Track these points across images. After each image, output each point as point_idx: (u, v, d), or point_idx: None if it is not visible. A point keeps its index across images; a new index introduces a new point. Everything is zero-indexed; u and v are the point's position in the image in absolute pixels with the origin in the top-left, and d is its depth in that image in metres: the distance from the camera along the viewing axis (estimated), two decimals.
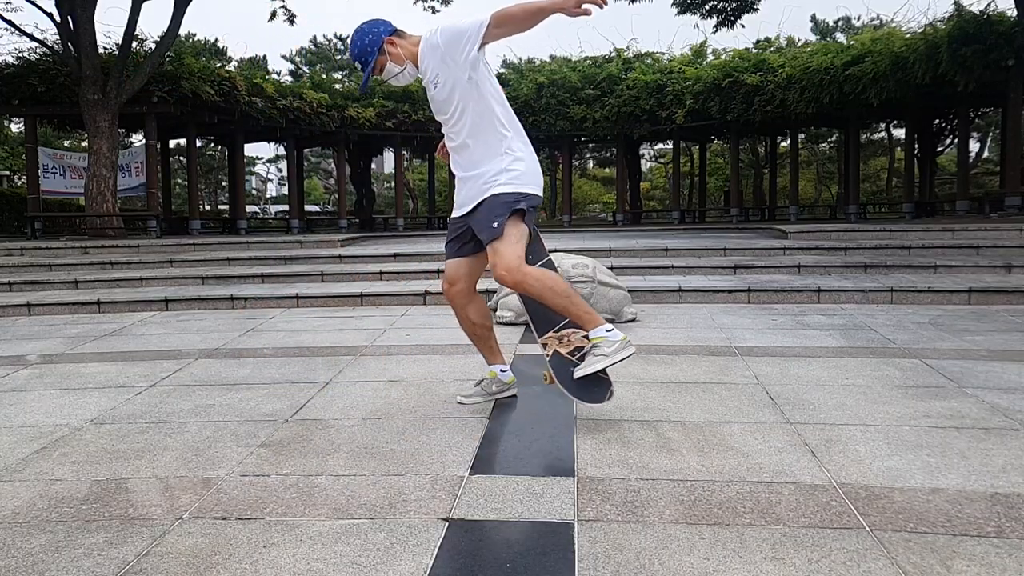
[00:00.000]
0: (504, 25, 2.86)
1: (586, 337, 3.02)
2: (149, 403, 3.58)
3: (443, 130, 3.18)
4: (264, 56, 33.37)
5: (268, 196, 55.94)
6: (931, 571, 1.82)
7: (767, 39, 20.91)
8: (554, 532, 2.07)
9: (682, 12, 16.83)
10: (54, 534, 2.14)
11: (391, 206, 34.13)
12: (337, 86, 21.54)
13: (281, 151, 27.30)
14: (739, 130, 19.86)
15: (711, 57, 19.35)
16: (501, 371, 3.40)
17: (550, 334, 3.11)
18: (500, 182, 2.98)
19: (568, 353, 3.07)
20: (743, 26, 40.74)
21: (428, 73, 3.04)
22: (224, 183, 33.32)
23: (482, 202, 2.99)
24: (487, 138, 3.01)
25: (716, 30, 17.55)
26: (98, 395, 3.77)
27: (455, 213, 3.17)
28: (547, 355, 3.12)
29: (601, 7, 2.76)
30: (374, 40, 3.05)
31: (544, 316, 3.11)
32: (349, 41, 3.11)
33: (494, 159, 3.01)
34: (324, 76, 28.73)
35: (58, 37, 13.89)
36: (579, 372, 3.00)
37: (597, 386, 3.06)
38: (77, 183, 15.66)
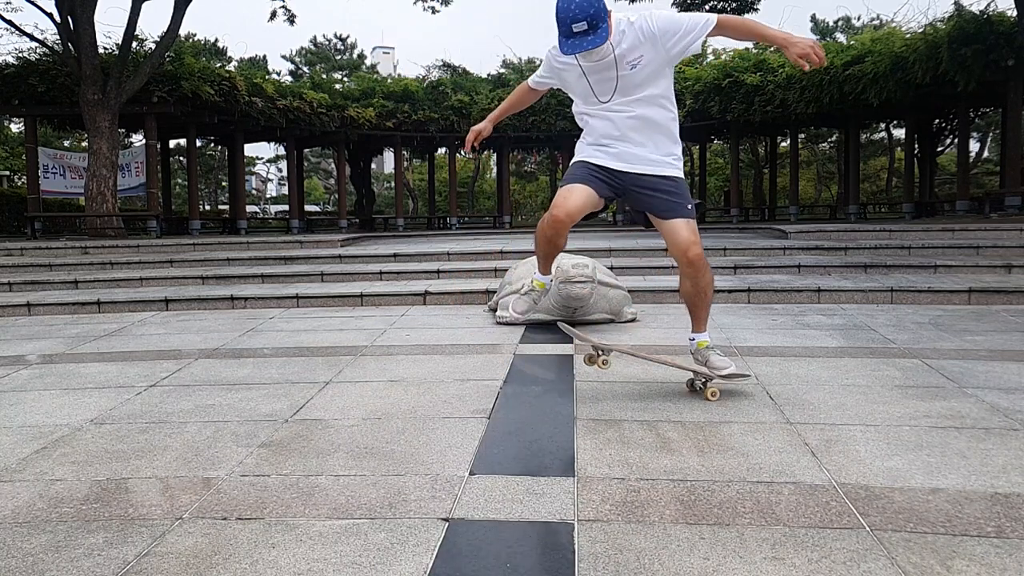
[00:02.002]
0: (723, 31, 3.17)
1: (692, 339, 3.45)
2: (149, 403, 3.58)
3: (605, 105, 3.26)
4: (264, 56, 33.36)
5: (268, 196, 55.97)
6: (931, 571, 1.82)
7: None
8: (554, 532, 2.07)
9: (682, 10, 16.82)
10: (54, 534, 2.14)
11: (391, 206, 34.16)
12: (337, 86, 21.56)
13: (281, 151, 27.32)
14: (739, 130, 19.88)
15: (711, 57, 19.37)
16: (547, 279, 3.63)
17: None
18: (679, 167, 3.31)
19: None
20: None
21: (628, 55, 3.12)
22: (224, 183, 33.32)
23: (674, 178, 3.27)
24: (665, 118, 3.26)
25: None
26: (98, 395, 3.77)
27: (613, 164, 3.28)
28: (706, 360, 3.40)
29: (819, 66, 3.03)
30: (601, 5, 3.02)
31: (695, 313, 3.43)
32: (576, 1, 2.94)
33: (671, 141, 3.30)
34: (324, 76, 28.76)
35: (58, 37, 13.90)
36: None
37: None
38: (77, 183, 15.67)
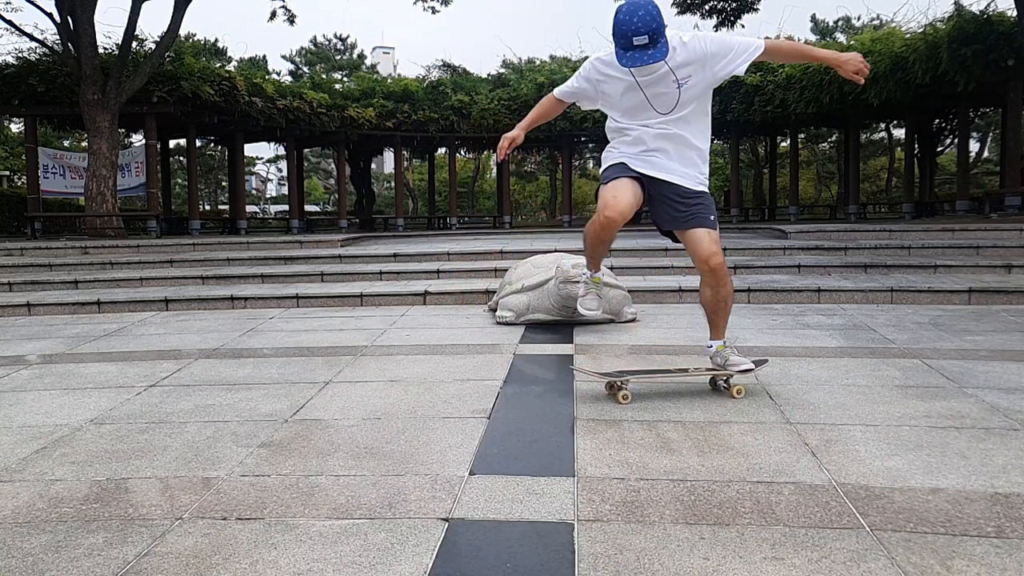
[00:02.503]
0: (771, 55, 3.31)
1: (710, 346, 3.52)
2: (149, 403, 3.58)
3: (647, 122, 3.31)
4: (264, 56, 33.35)
5: (268, 196, 55.97)
6: (931, 571, 1.82)
7: (767, 38, 20.89)
8: (554, 532, 2.07)
9: (682, 12, 16.84)
10: (54, 534, 2.14)
11: (391, 206, 34.15)
12: (337, 86, 21.56)
13: (281, 151, 27.31)
14: (739, 130, 19.87)
15: None
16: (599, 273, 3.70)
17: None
18: (706, 186, 3.43)
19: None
20: (743, 26, 40.69)
21: (678, 72, 3.18)
22: (224, 183, 33.33)
23: (702, 193, 3.37)
24: (699, 139, 3.36)
25: (716, 30, 17.54)
26: (98, 395, 3.77)
27: (649, 171, 3.35)
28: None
29: (859, 83, 3.25)
30: (662, 21, 3.06)
31: (714, 321, 3.48)
32: (639, 15, 2.97)
33: (703, 161, 3.41)
34: (324, 76, 28.76)
35: (58, 37, 13.90)
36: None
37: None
38: (77, 183, 15.67)
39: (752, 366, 3.46)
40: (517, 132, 3.59)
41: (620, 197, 3.30)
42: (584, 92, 3.46)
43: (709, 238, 3.31)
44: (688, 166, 3.36)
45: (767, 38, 3.43)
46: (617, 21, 3.02)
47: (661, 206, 3.41)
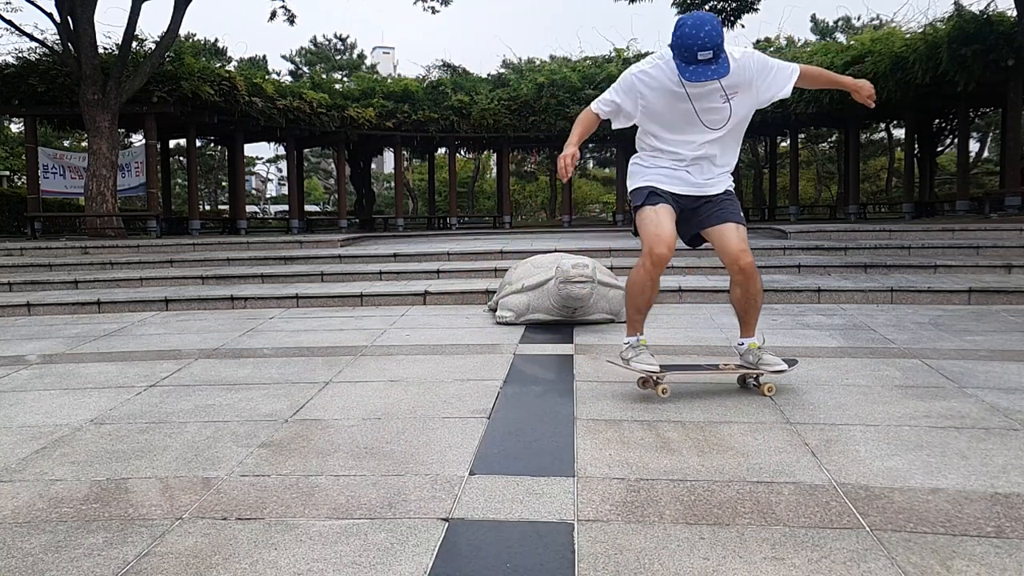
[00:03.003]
0: (803, 79, 3.39)
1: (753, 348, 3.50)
2: (149, 403, 3.58)
3: (692, 137, 3.30)
4: (264, 56, 33.34)
5: (268, 196, 55.97)
6: (931, 571, 1.82)
7: (767, 39, 20.94)
8: (554, 532, 2.07)
9: (682, 11, 16.82)
10: (54, 534, 2.14)
11: (391, 206, 34.14)
12: (337, 86, 21.56)
13: (281, 151, 27.31)
14: None
15: None
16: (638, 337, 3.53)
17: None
18: (732, 180, 3.51)
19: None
20: (743, 26, 40.85)
21: (728, 88, 3.21)
22: (224, 183, 33.32)
23: (729, 191, 3.44)
24: (735, 151, 3.46)
25: None
26: (98, 395, 3.77)
27: (685, 190, 3.37)
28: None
29: (870, 106, 3.42)
30: (724, 36, 3.08)
31: (745, 319, 3.48)
32: (706, 29, 2.98)
33: (731, 170, 3.48)
34: (324, 76, 28.75)
35: (58, 37, 13.90)
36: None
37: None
38: (77, 183, 15.66)
39: (786, 367, 3.46)
40: (574, 148, 3.39)
41: (664, 229, 3.27)
42: (623, 108, 3.37)
43: (738, 235, 3.32)
44: (721, 177, 3.42)
45: (802, 64, 3.50)
46: (683, 34, 3.01)
47: (692, 216, 3.43)
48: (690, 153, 3.33)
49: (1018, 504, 2.19)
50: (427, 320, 5.98)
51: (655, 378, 3.39)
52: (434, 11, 17.86)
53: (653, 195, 3.35)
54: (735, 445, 2.76)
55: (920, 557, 1.88)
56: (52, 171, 15.76)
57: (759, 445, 2.75)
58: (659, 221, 3.29)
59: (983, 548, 1.92)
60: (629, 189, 3.50)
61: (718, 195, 3.40)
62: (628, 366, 3.41)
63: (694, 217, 3.42)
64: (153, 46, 14.62)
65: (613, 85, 3.41)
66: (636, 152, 3.56)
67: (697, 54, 3.00)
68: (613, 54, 20.09)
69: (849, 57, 15.55)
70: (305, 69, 35.36)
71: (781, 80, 3.32)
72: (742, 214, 3.42)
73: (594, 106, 3.46)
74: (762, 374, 3.46)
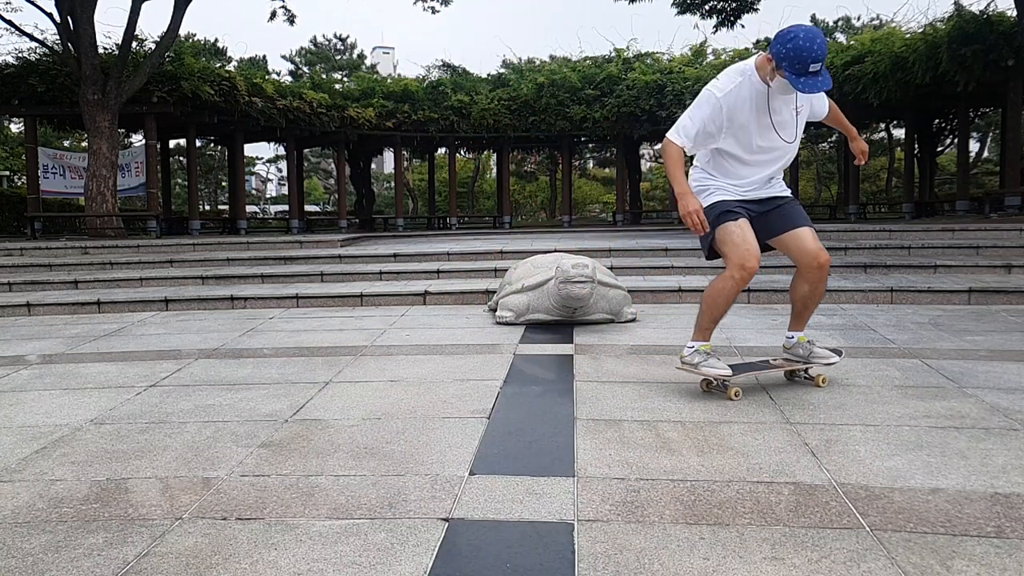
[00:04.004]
0: (829, 113, 3.55)
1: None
2: (149, 403, 3.58)
3: (769, 148, 3.35)
4: (264, 56, 33.32)
5: (268, 196, 55.97)
6: (931, 571, 1.82)
7: (767, 39, 20.91)
8: (554, 532, 2.07)
9: (682, 12, 16.80)
10: (54, 534, 2.14)
11: (391, 206, 34.15)
12: (337, 86, 21.55)
13: (281, 151, 27.31)
14: None
15: (711, 57, 19.36)
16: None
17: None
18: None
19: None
20: (743, 26, 40.83)
21: (797, 102, 3.32)
22: (224, 183, 33.32)
23: (792, 197, 3.54)
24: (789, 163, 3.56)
25: (716, 30, 17.52)
26: (98, 395, 3.77)
27: (752, 195, 3.44)
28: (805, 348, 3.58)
29: (860, 163, 3.74)
30: None
31: (803, 315, 3.59)
32: (818, 42, 3.03)
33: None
34: (324, 76, 28.75)
35: (58, 37, 13.89)
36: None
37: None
38: (77, 183, 15.66)
39: (837, 358, 3.56)
40: (694, 200, 3.30)
41: (751, 243, 3.31)
42: (708, 133, 3.30)
43: (813, 236, 3.41)
44: (781, 184, 3.52)
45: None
46: (797, 47, 3.02)
47: (766, 218, 3.46)
48: (766, 164, 3.40)
49: (1018, 504, 2.19)
50: (427, 320, 5.98)
51: (725, 382, 3.43)
52: (434, 11, 17.85)
53: (730, 212, 3.37)
54: (735, 445, 2.76)
55: (920, 557, 1.88)
56: (52, 171, 15.75)
57: (759, 445, 2.75)
58: (744, 236, 3.33)
59: (983, 548, 1.92)
60: (704, 205, 3.40)
61: (784, 197, 3.48)
62: (697, 370, 3.43)
63: (774, 214, 3.47)
64: (153, 46, 14.61)
65: (692, 112, 3.30)
66: (697, 165, 3.55)
67: (809, 65, 3.03)
68: (613, 54, 20.06)
69: (849, 57, 15.53)
70: (305, 69, 35.35)
71: (820, 105, 3.48)
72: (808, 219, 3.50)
73: (679, 140, 3.31)
74: (812, 366, 3.56)
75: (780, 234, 3.45)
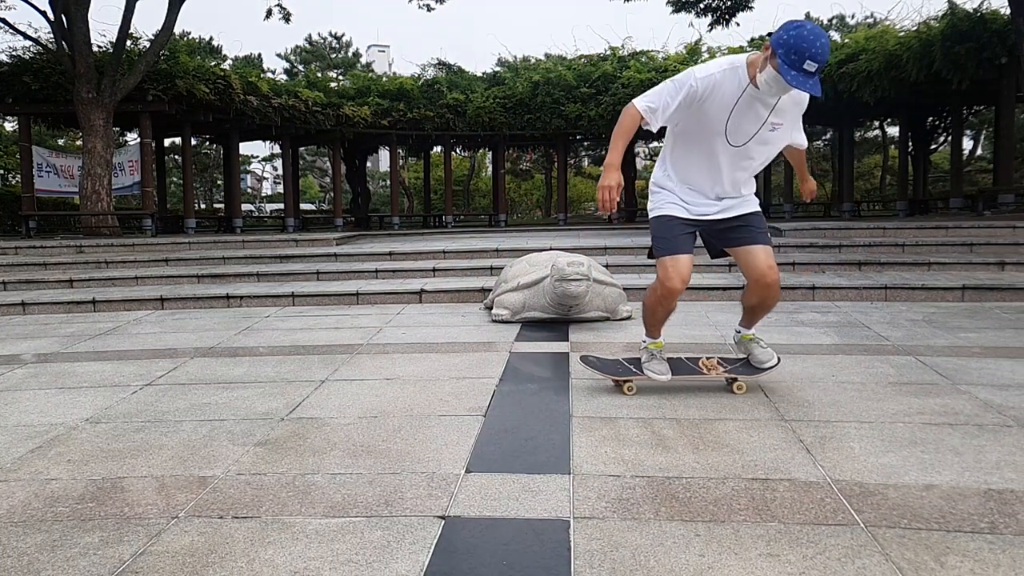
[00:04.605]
0: (794, 152, 3.49)
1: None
2: (144, 402, 3.58)
3: (728, 151, 3.21)
4: (259, 55, 33.23)
5: (263, 195, 55.85)
6: (925, 567, 1.83)
7: (762, 37, 20.93)
8: (550, 529, 2.08)
9: (677, 10, 16.83)
10: (49, 533, 2.13)
11: (387, 204, 34.09)
12: (332, 84, 21.49)
13: (276, 149, 27.26)
14: None
15: (706, 55, 19.34)
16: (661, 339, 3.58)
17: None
18: (756, 201, 3.47)
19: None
20: (738, 24, 40.75)
21: (776, 115, 3.16)
22: (219, 182, 33.25)
23: (756, 212, 3.40)
24: (760, 167, 3.40)
25: (711, 28, 17.58)
26: (93, 394, 3.76)
27: (703, 215, 3.33)
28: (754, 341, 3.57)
29: (806, 200, 3.71)
30: None
31: (753, 318, 3.56)
32: (821, 41, 2.88)
33: (753, 182, 3.46)
34: (319, 74, 28.67)
35: (52, 35, 13.83)
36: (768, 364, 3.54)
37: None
38: (67, 183, 15.61)
39: (774, 363, 3.54)
40: (618, 175, 3.13)
41: (681, 266, 3.27)
42: (676, 110, 3.11)
43: (765, 254, 3.32)
44: (744, 191, 3.38)
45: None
46: (801, 36, 2.87)
47: (716, 234, 3.43)
48: (719, 175, 3.29)
49: (1011, 500, 2.20)
50: (423, 318, 5.98)
51: (628, 379, 3.51)
52: (429, 8, 17.82)
53: (672, 229, 3.30)
54: (730, 442, 2.77)
55: (914, 553, 1.89)
56: (46, 170, 15.68)
57: (754, 442, 2.76)
58: (676, 261, 3.27)
59: (977, 544, 1.94)
60: (655, 213, 3.38)
61: (747, 214, 3.36)
62: (640, 368, 3.49)
63: (725, 233, 3.40)
64: (148, 44, 14.56)
65: (666, 85, 3.14)
66: (663, 156, 3.45)
67: (806, 61, 2.88)
68: (608, 52, 20.05)
69: (843, 55, 15.55)
70: (300, 67, 35.27)
71: (799, 137, 3.36)
72: (769, 234, 3.41)
73: (640, 105, 3.12)
74: (738, 378, 3.50)
75: (735, 247, 3.39)
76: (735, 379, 3.50)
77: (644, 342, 3.54)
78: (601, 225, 18.22)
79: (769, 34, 3.02)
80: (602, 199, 3.10)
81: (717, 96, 3.09)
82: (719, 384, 3.59)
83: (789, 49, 2.89)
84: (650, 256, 3.50)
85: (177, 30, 16.11)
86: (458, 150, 25.61)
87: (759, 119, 3.15)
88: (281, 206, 32.28)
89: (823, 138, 31.24)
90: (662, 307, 3.40)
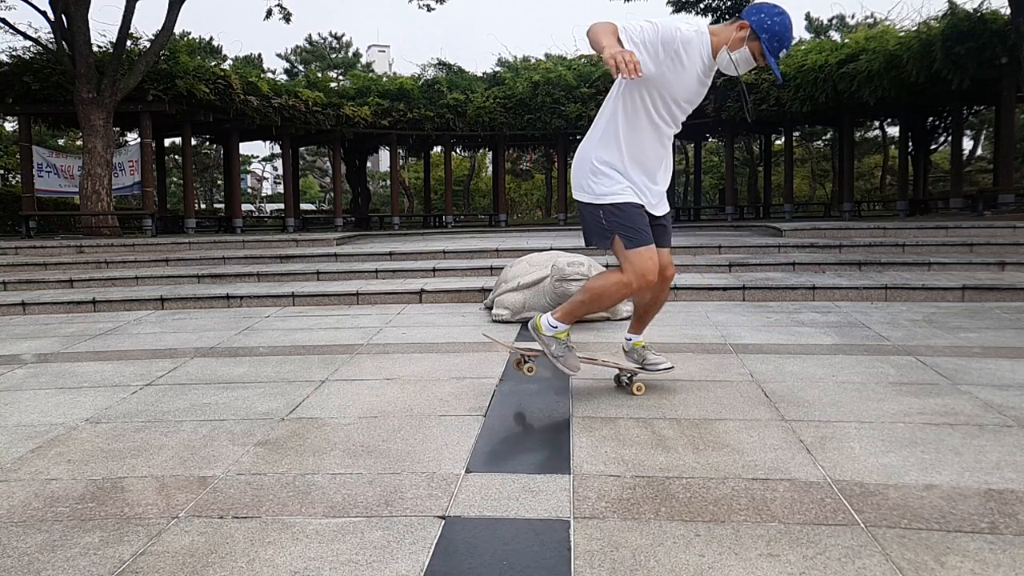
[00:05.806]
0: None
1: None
2: (145, 402, 3.58)
3: (670, 107, 3.08)
4: (259, 55, 33.23)
5: (264, 195, 55.86)
6: (925, 567, 1.83)
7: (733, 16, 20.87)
8: (550, 529, 2.08)
9: (677, 10, 16.84)
10: (50, 533, 2.13)
11: (387, 204, 34.11)
12: (332, 84, 21.50)
13: (277, 149, 27.25)
14: (734, 128, 19.89)
15: None
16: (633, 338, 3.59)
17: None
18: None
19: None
20: None
21: (714, 70, 3.08)
22: (219, 182, 33.25)
23: (668, 217, 3.38)
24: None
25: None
26: (93, 394, 3.76)
27: (654, 205, 3.27)
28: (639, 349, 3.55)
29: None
30: None
31: (644, 319, 3.55)
32: (789, 23, 2.84)
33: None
34: (319, 74, 28.66)
35: (52, 35, 13.84)
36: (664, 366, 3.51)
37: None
38: (67, 183, 15.61)
39: (668, 365, 3.52)
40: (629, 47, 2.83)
41: (657, 256, 3.19)
42: (645, 52, 2.88)
43: (669, 252, 3.37)
44: (664, 199, 3.34)
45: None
46: (785, 24, 2.84)
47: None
48: (658, 151, 3.18)
49: (1012, 500, 2.20)
50: (423, 318, 5.98)
51: (528, 355, 3.51)
52: (429, 8, 17.83)
53: (639, 219, 3.15)
54: (730, 442, 2.77)
55: (914, 553, 1.89)
56: (47, 170, 15.69)
57: (754, 442, 2.76)
58: (650, 251, 3.13)
59: (977, 544, 1.94)
60: (612, 200, 3.13)
61: (666, 215, 3.36)
62: (557, 363, 3.30)
63: (654, 230, 3.31)
64: (148, 44, 14.56)
65: (653, 24, 2.91)
66: (611, 120, 3.12)
67: (782, 49, 2.88)
68: None
69: (843, 55, 15.55)
70: (300, 67, 35.28)
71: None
72: (672, 234, 3.44)
73: (622, 34, 2.87)
74: (635, 374, 3.51)
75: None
76: (631, 377, 3.51)
77: (555, 325, 3.27)
78: None
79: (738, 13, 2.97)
80: (622, 62, 2.66)
81: (684, 59, 2.93)
82: (719, 383, 3.59)
83: (774, 36, 2.85)
84: (588, 244, 3.35)
85: (177, 30, 16.12)
86: (458, 150, 25.63)
87: (699, 96, 3.09)
88: (281, 206, 32.30)
89: (823, 138, 31.25)
90: (620, 300, 3.36)
